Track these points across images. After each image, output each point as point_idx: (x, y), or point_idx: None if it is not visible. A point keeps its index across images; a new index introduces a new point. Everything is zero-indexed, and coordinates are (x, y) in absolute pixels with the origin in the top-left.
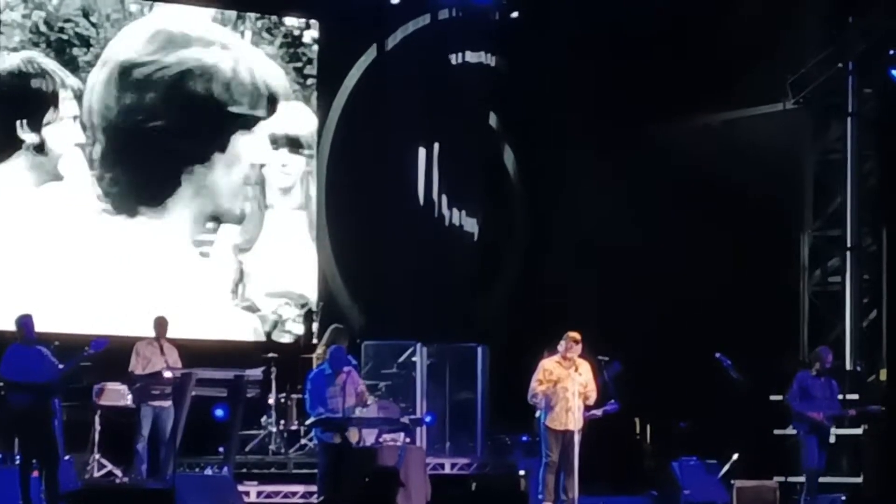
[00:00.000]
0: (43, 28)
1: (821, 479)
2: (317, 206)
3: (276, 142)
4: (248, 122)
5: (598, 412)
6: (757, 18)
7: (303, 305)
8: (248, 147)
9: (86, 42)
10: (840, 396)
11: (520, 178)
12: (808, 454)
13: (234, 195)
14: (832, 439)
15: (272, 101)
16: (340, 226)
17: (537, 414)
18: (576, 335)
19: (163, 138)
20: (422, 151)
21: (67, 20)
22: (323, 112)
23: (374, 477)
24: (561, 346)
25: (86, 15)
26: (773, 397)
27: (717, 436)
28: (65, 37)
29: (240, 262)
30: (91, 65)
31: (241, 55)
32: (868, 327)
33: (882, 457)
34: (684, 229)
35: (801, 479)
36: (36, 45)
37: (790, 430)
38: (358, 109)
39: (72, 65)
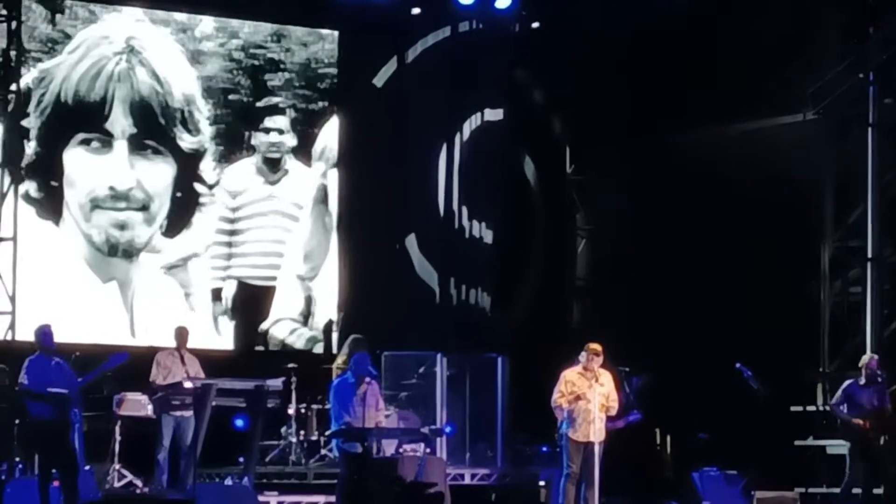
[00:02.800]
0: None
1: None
2: (337, 218)
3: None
4: None
5: (621, 423)
6: (777, 29)
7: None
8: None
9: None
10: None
11: (540, 189)
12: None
13: None
14: None
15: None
16: (360, 236)
17: (559, 425)
18: (597, 346)
19: None
20: (442, 162)
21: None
22: (343, 124)
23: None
24: (582, 357)
25: (277, 40)
26: (793, 408)
27: (737, 446)
28: (257, 62)
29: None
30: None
31: None
32: (889, 337)
33: None
34: (705, 240)
35: (821, 489)
36: (230, 72)
37: (811, 441)
38: (377, 121)
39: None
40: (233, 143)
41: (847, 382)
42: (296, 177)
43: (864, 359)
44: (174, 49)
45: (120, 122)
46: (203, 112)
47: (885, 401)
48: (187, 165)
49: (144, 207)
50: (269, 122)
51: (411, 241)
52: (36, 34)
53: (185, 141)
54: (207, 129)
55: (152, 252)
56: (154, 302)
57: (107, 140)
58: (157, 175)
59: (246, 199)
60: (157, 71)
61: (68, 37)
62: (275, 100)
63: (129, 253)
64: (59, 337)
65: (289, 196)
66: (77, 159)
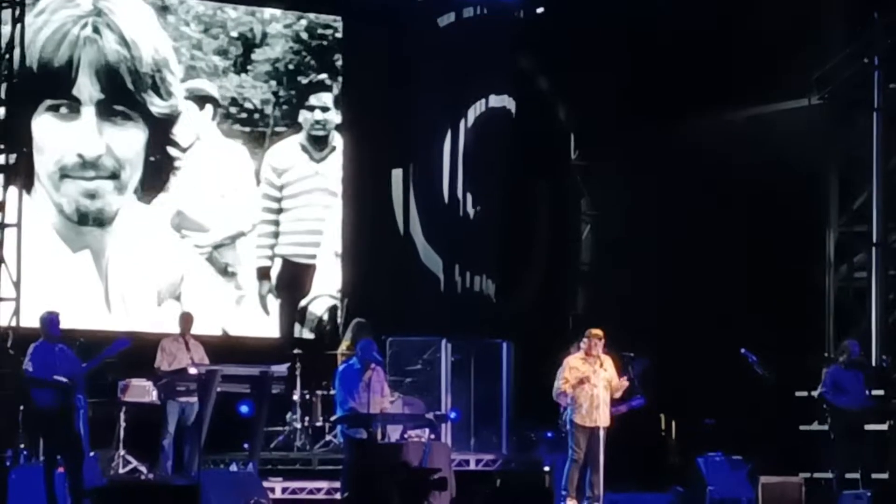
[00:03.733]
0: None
1: (847, 476)
2: (342, 202)
3: None
4: None
5: (624, 407)
6: (782, 14)
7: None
8: None
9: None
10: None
11: (546, 175)
12: (844, 450)
13: None
14: None
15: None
16: (364, 222)
17: (564, 410)
18: (598, 332)
19: None
20: (447, 149)
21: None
22: (346, 110)
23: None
24: (583, 343)
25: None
26: (798, 393)
27: (742, 432)
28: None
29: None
30: None
31: None
32: (894, 323)
33: None
34: (709, 225)
35: (828, 475)
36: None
37: (816, 427)
38: (381, 107)
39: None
40: (278, 120)
41: (831, 368)
42: (342, 153)
43: (844, 344)
44: (145, 11)
45: (87, 88)
46: (177, 75)
47: (863, 382)
48: (159, 130)
49: (114, 175)
50: (314, 99)
51: (416, 229)
52: None
53: (157, 105)
54: (180, 92)
55: (125, 219)
56: (130, 272)
57: (75, 106)
58: (128, 141)
59: (292, 176)
60: (125, 34)
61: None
62: (320, 77)
63: (101, 221)
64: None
65: (334, 173)
66: (45, 126)
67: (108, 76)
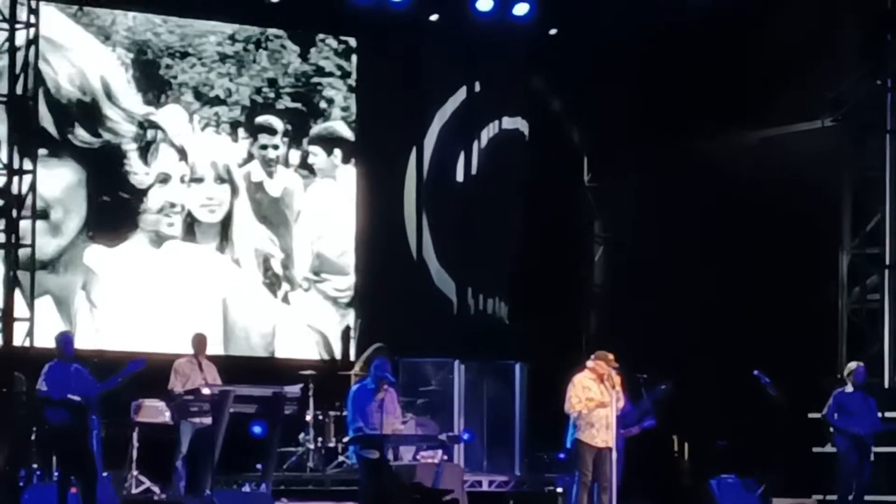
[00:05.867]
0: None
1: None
2: (356, 223)
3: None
4: None
5: (636, 429)
6: (795, 36)
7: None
8: None
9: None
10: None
11: (559, 197)
12: (847, 471)
13: None
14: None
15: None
16: (377, 243)
17: (569, 430)
18: (607, 353)
19: None
20: (460, 170)
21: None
22: (361, 129)
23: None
24: (591, 363)
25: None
26: (811, 415)
27: (754, 454)
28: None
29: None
30: None
31: None
32: None
33: None
34: (722, 247)
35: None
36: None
37: (829, 449)
38: (395, 128)
39: None
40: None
41: (836, 391)
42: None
43: (851, 366)
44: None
45: None
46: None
47: (874, 406)
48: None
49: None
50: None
51: (429, 253)
52: None
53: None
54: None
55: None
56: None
57: None
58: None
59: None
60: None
61: None
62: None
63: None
64: None
65: (348, 194)
66: None
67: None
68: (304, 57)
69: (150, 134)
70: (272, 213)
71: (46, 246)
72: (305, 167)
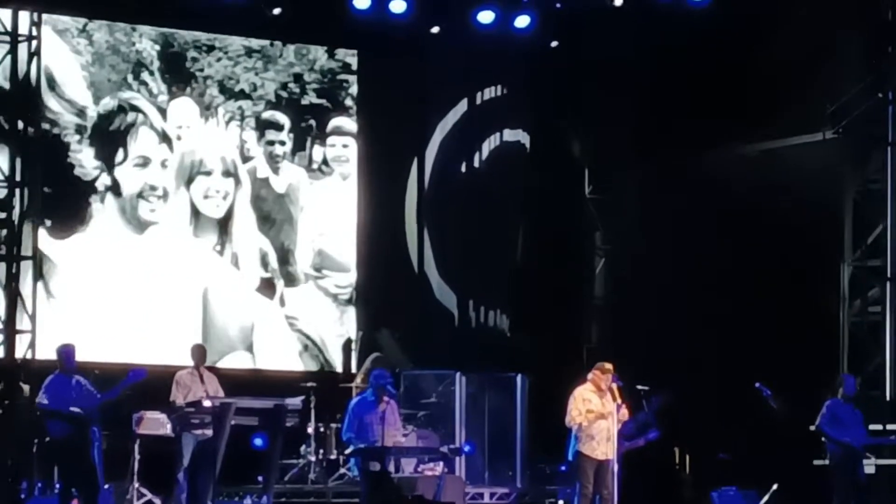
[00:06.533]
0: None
1: None
2: (356, 235)
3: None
4: None
5: (641, 441)
6: (796, 49)
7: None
8: None
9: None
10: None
11: (560, 209)
12: (842, 480)
13: None
14: (872, 469)
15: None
16: (379, 254)
17: (569, 442)
18: (608, 365)
19: None
20: (462, 178)
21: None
22: (363, 142)
23: None
24: (593, 375)
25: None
26: (812, 427)
27: (756, 466)
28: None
29: None
30: None
31: None
32: None
33: None
34: (723, 259)
35: None
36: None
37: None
38: (397, 137)
39: None
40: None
41: (829, 400)
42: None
43: (840, 378)
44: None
45: None
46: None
47: (860, 418)
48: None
49: None
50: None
51: (430, 266)
52: None
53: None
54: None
55: None
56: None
57: None
58: None
59: None
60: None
61: None
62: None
63: None
64: None
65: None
66: None
67: None
68: (330, 53)
69: (130, 117)
70: (275, 209)
71: None
72: (322, 163)
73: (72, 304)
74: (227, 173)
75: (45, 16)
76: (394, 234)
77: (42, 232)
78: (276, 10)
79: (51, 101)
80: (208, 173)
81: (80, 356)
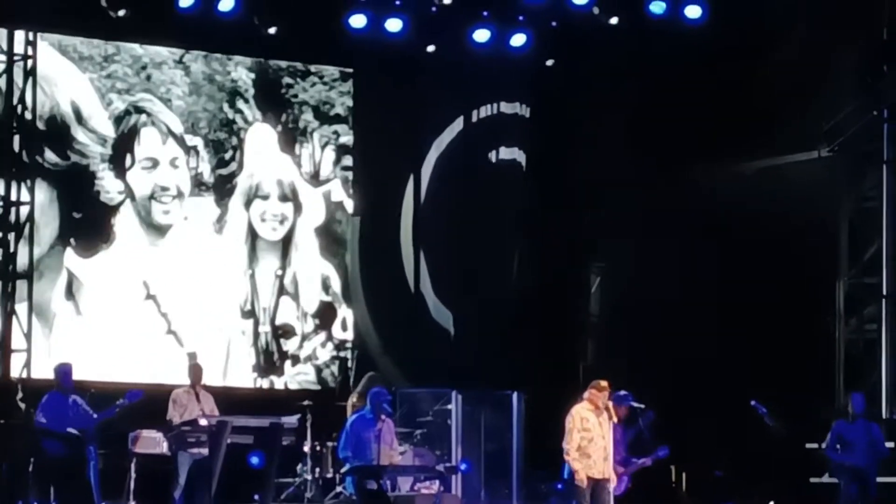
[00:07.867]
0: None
1: None
2: (350, 255)
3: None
4: None
5: (649, 460)
6: (792, 66)
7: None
8: None
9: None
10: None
11: (555, 226)
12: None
13: None
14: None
15: None
16: (375, 275)
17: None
18: (604, 383)
19: None
20: (458, 195)
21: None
22: (358, 161)
23: None
24: (589, 394)
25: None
26: (809, 445)
27: (752, 484)
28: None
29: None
30: None
31: None
32: None
33: None
34: (719, 276)
35: None
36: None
37: (826, 479)
38: (392, 154)
39: None
40: None
41: (836, 422)
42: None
43: (847, 397)
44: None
45: None
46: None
47: (876, 433)
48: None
49: None
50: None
51: (426, 286)
52: None
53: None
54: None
55: None
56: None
57: None
58: None
59: None
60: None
61: None
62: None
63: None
64: None
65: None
66: None
67: None
68: None
69: (132, 119)
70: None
71: None
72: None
73: (97, 320)
74: (284, 197)
75: (65, 43)
76: (390, 254)
77: (69, 251)
78: (272, 29)
79: (79, 133)
80: (266, 197)
81: (108, 373)
